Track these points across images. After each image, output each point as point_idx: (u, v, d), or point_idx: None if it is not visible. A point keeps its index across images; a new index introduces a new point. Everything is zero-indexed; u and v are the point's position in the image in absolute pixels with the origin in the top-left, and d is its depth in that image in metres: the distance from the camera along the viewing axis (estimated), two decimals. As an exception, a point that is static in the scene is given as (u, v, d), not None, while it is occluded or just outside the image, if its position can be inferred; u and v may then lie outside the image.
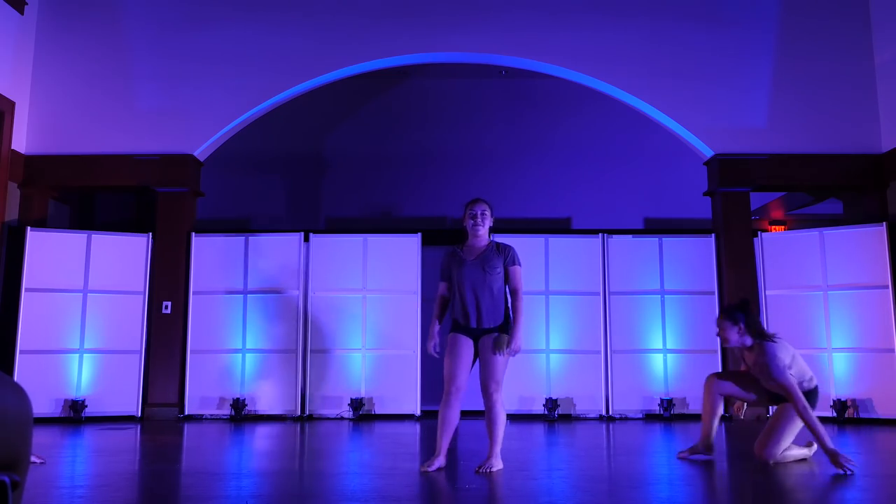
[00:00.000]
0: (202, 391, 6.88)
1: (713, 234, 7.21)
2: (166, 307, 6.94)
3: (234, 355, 6.95)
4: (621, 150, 9.14)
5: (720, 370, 6.63)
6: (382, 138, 9.23)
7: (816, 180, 7.20)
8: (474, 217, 3.87)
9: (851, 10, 7.32)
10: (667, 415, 6.73)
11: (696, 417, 6.43)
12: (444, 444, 3.71)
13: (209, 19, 7.35)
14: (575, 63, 7.22)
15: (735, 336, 3.94)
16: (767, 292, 6.92)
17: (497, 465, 3.65)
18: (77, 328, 6.74)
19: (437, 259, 7.46)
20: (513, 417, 6.57)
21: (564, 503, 2.93)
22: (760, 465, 3.83)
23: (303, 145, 9.24)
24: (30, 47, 7.24)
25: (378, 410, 6.88)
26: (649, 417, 6.83)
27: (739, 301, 4.08)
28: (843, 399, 6.44)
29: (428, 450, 4.97)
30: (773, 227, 9.77)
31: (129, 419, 6.70)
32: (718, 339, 4.03)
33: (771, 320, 6.82)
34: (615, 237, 7.22)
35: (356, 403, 6.76)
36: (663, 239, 7.22)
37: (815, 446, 4.09)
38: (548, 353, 6.97)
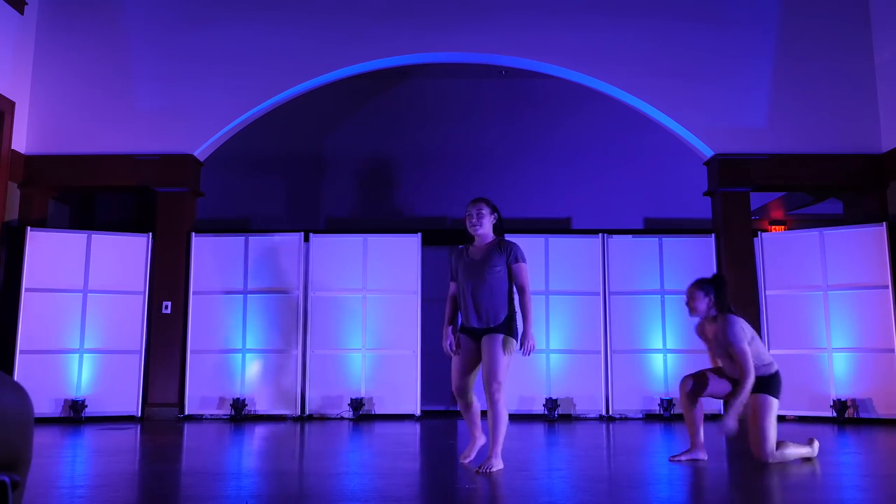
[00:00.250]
0: (202, 391, 6.89)
1: (713, 234, 7.21)
2: (166, 307, 6.94)
3: (234, 355, 6.95)
4: (621, 150, 9.14)
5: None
6: (382, 138, 9.23)
7: (816, 180, 7.20)
8: (470, 217, 3.88)
9: (851, 10, 7.32)
10: (667, 415, 6.73)
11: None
12: (474, 431, 3.98)
13: (209, 19, 7.35)
14: (575, 63, 7.23)
15: (703, 307, 4.05)
16: (767, 292, 6.93)
17: (497, 465, 3.64)
18: (77, 328, 6.74)
19: (437, 259, 7.53)
20: (513, 417, 6.55)
21: (564, 503, 2.93)
22: (760, 465, 3.83)
23: (303, 145, 9.24)
24: (30, 47, 7.24)
25: (378, 410, 6.89)
26: (649, 417, 6.83)
27: (714, 276, 4.18)
28: (843, 399, 6.44)
29: (428, 450, 4.97)
30: (773, 227, 9.77)
31: (129, 419, 6.70)
32: (687, 308, 4.08)
33: (771, 320, 6.82)
34: (615, 237, 7.22)
35: (356, 403, 6.77)
36: (663, 239, 7.22)
37: (818, 444, 4.10)
38: (548, 353, 6.97)
